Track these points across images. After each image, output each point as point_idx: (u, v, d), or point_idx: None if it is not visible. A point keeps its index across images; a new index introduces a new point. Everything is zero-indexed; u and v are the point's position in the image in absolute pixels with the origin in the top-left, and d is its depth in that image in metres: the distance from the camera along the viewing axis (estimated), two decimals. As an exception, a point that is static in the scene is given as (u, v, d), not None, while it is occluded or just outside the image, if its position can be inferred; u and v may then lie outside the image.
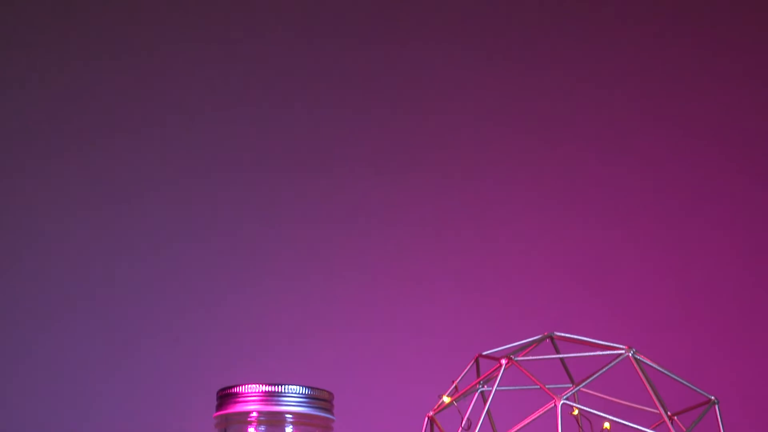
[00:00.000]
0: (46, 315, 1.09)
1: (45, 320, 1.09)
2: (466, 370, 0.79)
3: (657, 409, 0.71)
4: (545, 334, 0.79)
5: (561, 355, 0.76)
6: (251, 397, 0.79)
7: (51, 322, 1.09)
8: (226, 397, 0.80)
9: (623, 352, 0.72)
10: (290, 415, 0.80)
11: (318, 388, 0.81)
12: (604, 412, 0.70)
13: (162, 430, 1.06)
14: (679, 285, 1.17)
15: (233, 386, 0.80)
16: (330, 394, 0.82)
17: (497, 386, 0.71)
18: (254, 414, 0.79)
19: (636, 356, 0.72)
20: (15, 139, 1.14)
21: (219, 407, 0.81)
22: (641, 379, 0.70)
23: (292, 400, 0.79)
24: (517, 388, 0.84)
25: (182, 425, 1.06)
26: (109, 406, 1.07)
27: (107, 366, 1.08)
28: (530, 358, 0.74)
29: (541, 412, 0.68)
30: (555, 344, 0.80)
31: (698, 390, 0.74)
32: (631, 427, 0.68)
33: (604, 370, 0.70)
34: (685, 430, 0.70)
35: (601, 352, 0.73)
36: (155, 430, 1.07)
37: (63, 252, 1.12)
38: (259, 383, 0.79)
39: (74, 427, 1.06)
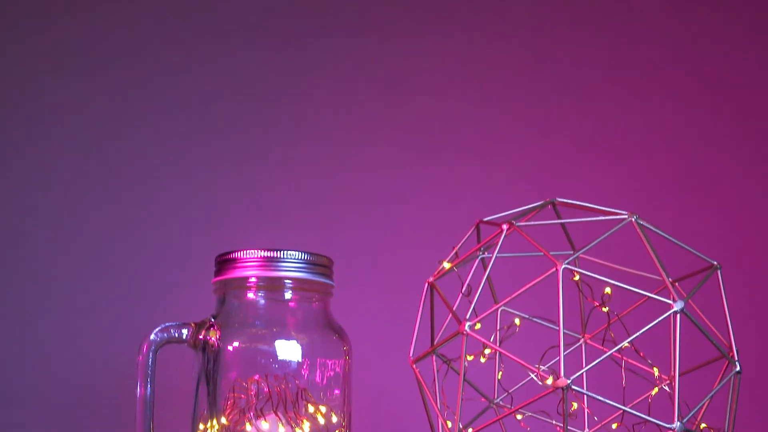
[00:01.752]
0: (46, 183, 1.09)
1: (45, 189, 1.09)
2: (466, 237, 0.78)
3: (659, 275, 0.71)
4: (547, 200, 0.78)
5: (563, 221, 0.75)
6: (250, 262, 0.79)
7: (51, 188, 1.09)
8: (224, 262, 0.80)
9: (626, 217, 0.72)
10: (289, 281, 0.79)
11: (317, 254, 0.80)
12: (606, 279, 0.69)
13: (161, 298, 1.07)
14: (681, 152, 1.16)
15: (232, 252, 0.79)
16: (329, 260, 0.81)
17: (498, 252, 0.71)
18: (253, 279, 0.79)
19: (639, 221, 0.71)
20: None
21: (218, 273, 0.80)
22: (644, 244, 0.70)
23: (291, 265, 0.79)
24: (517, 255, 0.83)
25: (182, 292, 1.06)
26: (108, 274, 1.07)
27: (106, 234, 1.08)
28: (532, 223, 0.73)
29: (542, 278, 0.68)
30: (557, 210, 0.79)
31: (700, 255, 0.74)
32: (633, 291, 0.67)
33: (606, 234, 0.69)
34: (686, 295, 0.69)
35: (603, 218, 0.73)
36: (154, 297, 1.07)
37: (62, 120, 1.11)
38: (257, 249, 0.79)
39: (73, 298, 1.07)
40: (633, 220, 0.71)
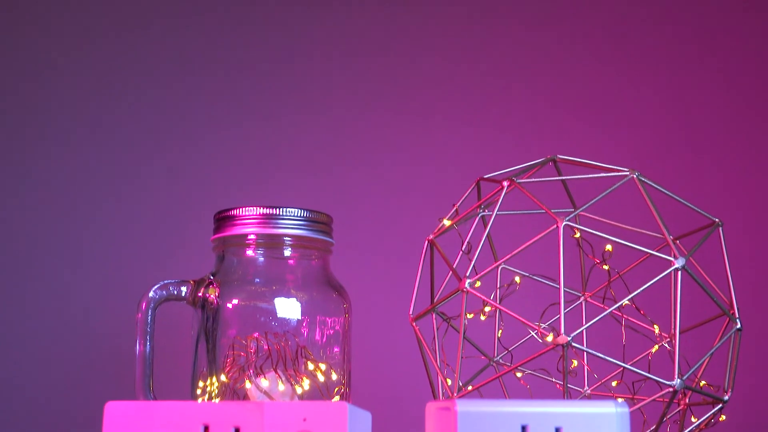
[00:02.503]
0: (47, 144, 1.08)
1: (45, 150, 1.08)
2: (467, 194, 0.78)
3: (659, 233, 0.70)
4: (548, 156, 0.78)
5: (563, 177, 0.75)
6: (249, 219, 0.78)
7: (51, 149, 1.08)
8: (223, 220, 0.79)
9: (627, 173, 0.71)
10: (288, 238, 0.79)
11: (317, 211, 0.79)
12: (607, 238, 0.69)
13: (160, 255, 1.07)
14: (682, 110, 1.15)
15: (231, 209, 0.79)
16: (329, 216, 0.81)
17: (498, 210, 0.71)
18: (252, 237, 0.78)
19: (640, 178, 0.71)
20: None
21: (216, 230, 0.80)
22: (645, 200, 0.69)
23: (291, 222, 0.78)
24: (518, 212, 0.83)
25: (181, 249, 1.06)
26: (108, 232, 1.07)
27: (106, 192, 1.08)
28: (532, 180, 0.73)
29: (542, 235, 0.67)
30: (558, 167, 0.78)
31: (701, 212, 0.73)
32: (634, 248, 0.67)
33: (608, 191, 0.69)
34: (687, 253, 0.69)
35: (604, 174, 0.72)
36: (153, 255, 1.07)
37: (61, 81, 1.10)
38: (256, 206, 0.78)
39: (73, 256, 1.07)
40: (634, 176, 0.71)
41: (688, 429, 0.71)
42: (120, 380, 0.97)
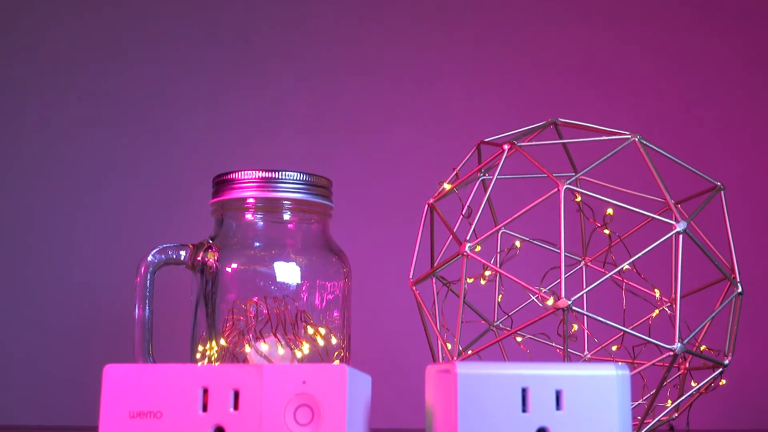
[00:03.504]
0: (47, 114, 1.08)
1: (45, 120, 1.08)
2: (467, 158, 0.77)
3: (661, 196, 0.70)
4: (549, 120, 0.77)
5: (564, 140, 0.74)
6: (248, 183, 0.78)
7: (51, 118, 1.08)
8: (222, 183, 0.79)
9: (629, 137, 0.71)
10: (288, 202, 0.78)
11: (316, 175, 0.79)
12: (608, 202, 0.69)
13: (160, 218, 1.06)
14: (683, 75, 1.14)
15: (229, 172, 0.78)
16: (328, 180, 0.80)
17: (499, 173, 0.70)
18: (251, 200, 0.78)
19: (642, 141, 0.70)
20: None
21: (215, 194, 0.80)
22: (647, 164, 0.69)
23: (290, 186, 0.78)
24: (518, 176, 0.82)
25: (181, 213, 1.06)
26: (107, 196, 1.07)
27: (105, 155, 1.08)
28: (533, 143, 0.72)
29: (543, 198, 0.67)
30: (558, 130, 0.78)
31: (703, 176, 0.73)
32: (635, 212, 0.67)
33: (610, 154, 0.68)
34: (688, 217, 0.69)
35: (606, 137, 0.71)
36: (153, 218, 1.07)
37: (64, 54, 1.09)
38: (255, 169, 0.78)
39: (72, 220, 1.06)
40: (636, 140, 0.70)
41: (688, 393, 0.71)
42: (119, 344, 0.97)
